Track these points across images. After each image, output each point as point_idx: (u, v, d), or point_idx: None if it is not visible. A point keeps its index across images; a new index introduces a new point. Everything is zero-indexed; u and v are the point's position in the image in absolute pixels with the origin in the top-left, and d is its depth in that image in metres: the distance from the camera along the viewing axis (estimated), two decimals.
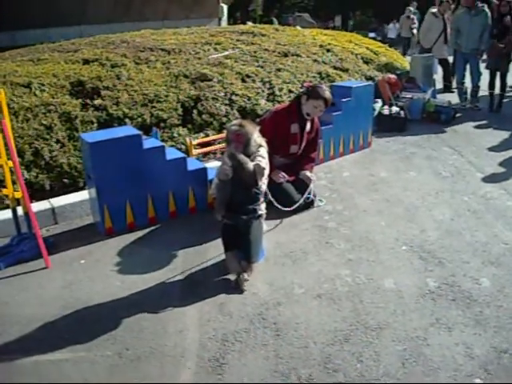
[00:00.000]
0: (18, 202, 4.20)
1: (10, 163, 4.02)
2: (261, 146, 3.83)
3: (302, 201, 4.93)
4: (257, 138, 3.79)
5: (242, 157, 3.66)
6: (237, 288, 3.70)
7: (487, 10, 9.26)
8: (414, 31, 16.50)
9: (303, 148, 5.18)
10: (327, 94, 4.96)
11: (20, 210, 4.24)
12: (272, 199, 4.60)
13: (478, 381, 2.82)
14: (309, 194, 5.01)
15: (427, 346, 3.08)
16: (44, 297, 3.67)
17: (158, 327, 3.31)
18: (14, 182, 4.18)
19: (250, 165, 3.67)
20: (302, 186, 5.01)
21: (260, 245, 3.96)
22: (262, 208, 3.96)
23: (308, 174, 5.09)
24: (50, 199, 4.95)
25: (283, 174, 4.93)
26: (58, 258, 4.22)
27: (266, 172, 3.83)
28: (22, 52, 8.45)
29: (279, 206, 4.67)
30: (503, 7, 9.04)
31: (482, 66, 9.69)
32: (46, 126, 5.49)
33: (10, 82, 6.13)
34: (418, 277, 3.83)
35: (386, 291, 3.65)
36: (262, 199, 3.93)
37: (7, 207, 4.52)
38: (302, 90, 5.13)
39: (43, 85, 6.21)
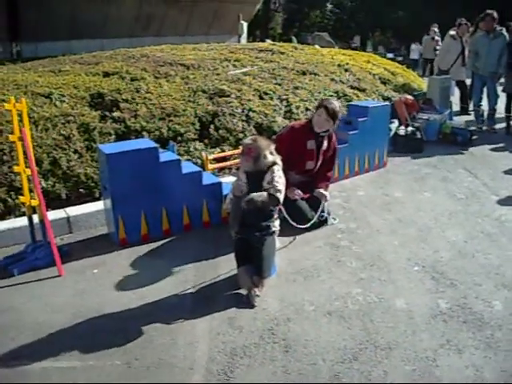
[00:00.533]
0: (34, 209, 4.26)
1: (28, 171, 4.08)
2: (275, 163, 3.84)
3: (315, 219, 4.93)
4: (269, 154, 3.80)
5: (256, 197, 3.71)
6: (248, 303, 3.71)
7: (505, 33, 9.28)
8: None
9: (319, 166, 5.18)
10: (328, 101, 5.01)
11: (36, 218, 4.29)
12: (287, 216, 4.60)
13: None
14: (323, 211, 5.02)
15: (437, 367, 3.06)
16: (56, 304, 3.70)
17: (167, 339, 3.32)
18: (30, 190, 4.24)
19: (265, 196, 3.74)
20: (317, 203, 5.01)
21: (272, 261, 3.98)
22: (276, 225, 3.99)
23: (322, 191, 5.09)
24: (66, 208, 5.01)
25: (298, 191, 4.94)
26: (72, 266, 4.26)
27: (283, 191, 3.84)
28: (44, 63, 8.59)
29: (293, 223, 4.68)
30: None
31: (499, 88, 9.68)
32: (64, 136, 5.56)
33: (31, 92, 6.24)
34: (430, 297, 3.81)
35: (397, 311, 3.64)
36: (275, 216, 3.95)
37: (23, 214, 4.58)
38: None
39: (63, 96, 6.30)
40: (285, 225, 4.55)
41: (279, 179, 3.80)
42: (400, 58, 27.49)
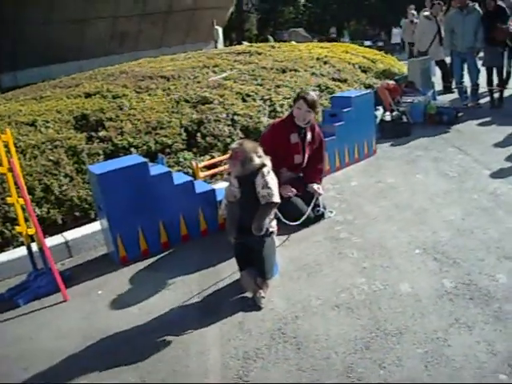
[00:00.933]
0: (31, 238, 4.26)
1: (22, 201, 4.07)
2: (264, 165, 3.81)
3: (309, 212, 4.94)
4: (256, 157, 3.77)
5: (260, 220, 3.73)
6: (254, 305, 3.72)
7: (478, 8, 9.32)
8: None
9: (308, 159, 5.20)
10: (305, 93, 5.09)
11: (34, 246, 4.29)
12: (279, 214, 4.48)
13: (502, 376, 2.81)
14: (318, 206, 5.04)
15: (448, 347, 3.08)
16: (64, 329, 3.70)
17: (179, 350, 3.32)
18: (26, 219, 4.23)
19: (264, 210, 3.75)
20: (310, 198, 5.03)
21: (274, 261, 3.99)
22: (273, 225, 4.00)
23: (315, 186, 5.11)
24: (63, 233, 5.00)
25: (291, 188, 4.96)
26: (76, 290, 4.26)
27: (276, 191, 3.82)
28: (25, 91, 8.57)
29: (286, 222, 4.64)
30: (488, 4, 9.11)
31: (479, 63, 9.72)
32: (53, 161, 5.56)
33: (15, 122, 6.23)
34: (434, 278, 3.83)
35: (403, 296, 3.65)
36: (272, 216, 3.96)
37: (21, 244, 4.57)
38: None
39: (48, 121, 6.29)
40: (281, 223, 4.58)
41: (271, 181, 3.79)
42: (381, 44, 27.47)
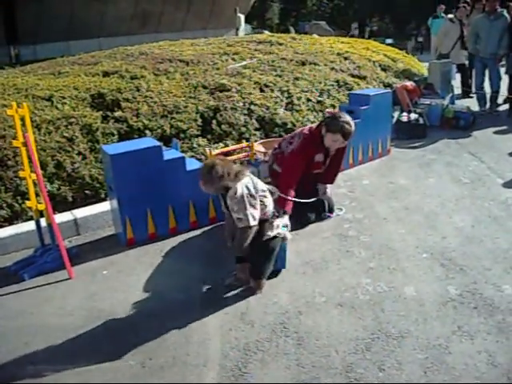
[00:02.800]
0: (41, 213, 4.27)
1: (34, 176, 4.09)
2: (228, 188, 3.62)
3: (313, 217, 4.99)
4: (224, 179, 3.57)
5: (238, 247, 3.75)
6: (252, 293, 3.77)
7: (506, 14, 9.22)
8: None
9: (328, 166, 5.07)
10: (346, 127, 4.63)
11: (43, 222, 4.31)
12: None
13: None
14: (324, 211, 5.06)
15: (449, 354, 3.07)
16: (67, 307, 3.72)
17: (180, 337, 3.33)
18: (37, 194, 4.25)
19: (240, 238, 3.70)
20: (319, 202, 5.02)
21: (269, 264, 3.86)
22: (270, 234, 3.80)
23: (325, 188, 5.10)
24: (73, 210, 5.02)
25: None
26: (81, 268, 4.28)
27: (247, 214, 3.61)
28: (43, 65, 8.58)
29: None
30: None
31: (502, 70, 9.63)
32: (67, 138, 5.57)
33: (32, 96, 6.24)
34: (440, 284, 3.82)
35: (407, 299, 3.64)
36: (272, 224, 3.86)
37: (31, 219, 4.59)
38: (324, 118, 5.02)
39: (64, 98, 6.30)
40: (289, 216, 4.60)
41: (239, 205, 3.59)
42: (421, 40, 26.56)
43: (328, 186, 5.14)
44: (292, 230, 4.68)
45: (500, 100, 9.84)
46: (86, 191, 5.25)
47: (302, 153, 4.77)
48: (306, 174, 4.82)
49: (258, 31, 24.50)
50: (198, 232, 4.88)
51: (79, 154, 5.48)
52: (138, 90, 6.80)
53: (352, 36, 23.46)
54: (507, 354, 3.05)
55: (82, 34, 17.97)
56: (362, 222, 4.98)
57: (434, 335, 3.24)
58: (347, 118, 4.71)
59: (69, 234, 4.83)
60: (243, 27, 19.92)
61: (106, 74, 7.44)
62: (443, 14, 14.70)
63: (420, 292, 3.72)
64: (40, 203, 4.20)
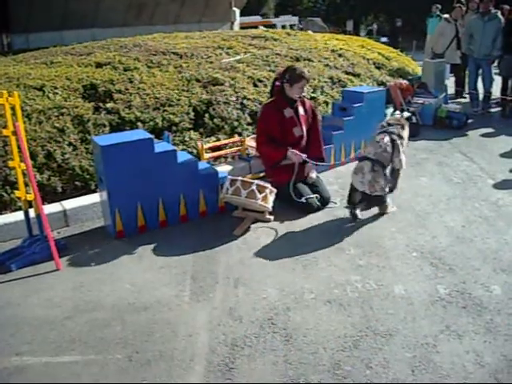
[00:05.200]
0: (30, 204, 4.23)
1: (23, 165, 4.05)
2: None
3: (313, 199, 5.15)
4: None
5: None
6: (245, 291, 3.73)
7: (500, 15, 9.24)
8: None
9: (307, 133, 5.42)
10: (303, 71, 5.25)
11: (32, 212, 4.28)
12: (293, 196, 5.06)
13: None
14: (319, 193, 5.24)
15: (437, 354, 3.06)
16: (55, 299, 3.69)
17: (167, 331, 3.31)
18: (26, 185, 4.21)
19: None
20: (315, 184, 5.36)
21: None
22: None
23: (314, 174, 5.39)
24: (62, 201, 4.98)
25: (296, 152, 5.18)
26: (69, 260, 4.25)
27: None
28: (36, 55, 8.52)
29: (295, 199, 5.07)
30: None
31: (495, 71, 9.66)
32: (58, 128, 5.52)
33: (24, 85, 6.19)
34: (429, 283, 3.81)
35: (396, 297, 3.64)
36: None
37: (19, 209, 4.55)
38: (281, 80, 5.30)
39: (56, 88, 6.26)
40: (281, 212, 4.60)
41: None
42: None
43: (313, 170, 5.41)
44: (282, 224, 4.70)
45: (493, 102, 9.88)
46: (76, 182, 5.22)
47: (264, 116, 5.30)
48: (294, 140, 5.30)
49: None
50: (187, 225, 4.85)
51: (70, 144, 5.45)
52: (131, 82, 6.77)
53: (345, 32, 23.45)
54: (495, 353, 3.05)
55: (75, 24, 17.81)
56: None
57: (422, 334, 3.24)
58: (295, 66, 5.49)
59: (58, 225, 4.80)
60: (238, 21, 19.82)
61: (98, 65, 7.39)
62: (439, 13, 14.65)
63: (409, 290, 3.72)
64: (29, 193, 4.16)
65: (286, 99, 5.27)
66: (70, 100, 6.08)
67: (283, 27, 27.33)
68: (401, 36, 25.60)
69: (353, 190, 4.92)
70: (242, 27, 19.94)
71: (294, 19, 34.05)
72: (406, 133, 5.08)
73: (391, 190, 4.97)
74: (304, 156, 5.20)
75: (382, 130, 5.05)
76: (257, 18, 31.99)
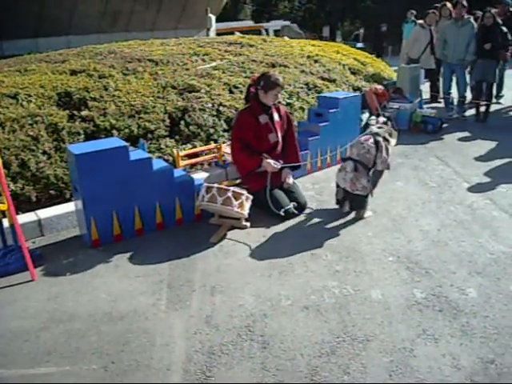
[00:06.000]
0: (3, 214, 4.17)
1: None
2: None
3: (290, 206, 5.13)
4: None
5: None
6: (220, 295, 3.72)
7: (473, 21, 9.38)
8: None
9: (283, 139, 5.47)
10: (278, 78, 5.27)
11: (6, 222, 4.21)
12: (270, 205, 5.02)
13: None
14: (296, 200, 5.22)
15: (414, 358, 3.08)
16: (30, 310, 3.64)
17: (144, 340, 3.29)
18: None
19: None
20: (288, 190, 5.33)
21: None
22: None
23: (290, 179, 5.40)
24: (37, 211, 4.91)
25: (271, 161, 5.19)
26: (44, 270, 4.20)
27: None
28: (10, 62, 8.44)
29: (274, 210, 5.04)
30: (487, 19, 9.12)
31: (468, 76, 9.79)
32: (32, 137, 5.46)
33: None
34: (405, 288, 3.83)
35: (373, 302, 3.65)
36: None
37: None
38: (255, 87, 5.34)
39: (30, 96, 6.19)
40: (257, 219, 4.60)
41: None
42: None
43: (290, 175, 5.42)
44: (258, 230, 4.70)
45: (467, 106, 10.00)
46: (51, 191, 5.16)
47: (239, 123, 5.28)
48: (270, 147, 5.34)
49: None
50: (164, 234, 4.82)
51: (44, 153, 5.39)
52: (106, 90, 6.72)
53: (322, 38, 23.65)
54: (471, 356, 3.08)
55: (50, 32, 17.70)
56: (329, 224, 4.99)
57: (399, 338, 3.25)
58: (270, 72, 5.43)
59: (32, 235, 4.74)
60: (214, 28, 19.81)
61: (73, 73, 7.33)
62: (414, 19, 14.79)
63: (386, 295, 3.74)
64: (2, 203, 4.10)
65: (260, 105, 5.31)
66: (45, 108, 6.02)
67: (276, 32, 27.40)
68: (386, 41, 25.87)
69: (336, 186, 5.15)
70: (230, 32, 19.96)
71: (287, 24, 34.05)
72: (393, 141, 5.19)
73: (370, 191, 5.00)
74: (279, 164, 5.21)
75: (368, 132, 5.15)
76: (247, 23, 31.94)
